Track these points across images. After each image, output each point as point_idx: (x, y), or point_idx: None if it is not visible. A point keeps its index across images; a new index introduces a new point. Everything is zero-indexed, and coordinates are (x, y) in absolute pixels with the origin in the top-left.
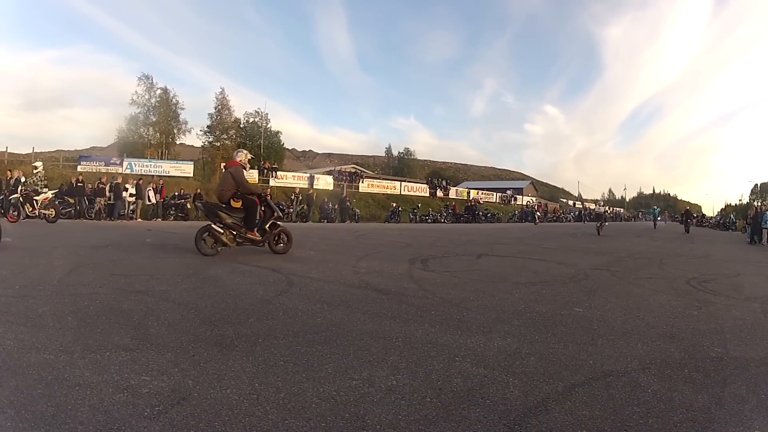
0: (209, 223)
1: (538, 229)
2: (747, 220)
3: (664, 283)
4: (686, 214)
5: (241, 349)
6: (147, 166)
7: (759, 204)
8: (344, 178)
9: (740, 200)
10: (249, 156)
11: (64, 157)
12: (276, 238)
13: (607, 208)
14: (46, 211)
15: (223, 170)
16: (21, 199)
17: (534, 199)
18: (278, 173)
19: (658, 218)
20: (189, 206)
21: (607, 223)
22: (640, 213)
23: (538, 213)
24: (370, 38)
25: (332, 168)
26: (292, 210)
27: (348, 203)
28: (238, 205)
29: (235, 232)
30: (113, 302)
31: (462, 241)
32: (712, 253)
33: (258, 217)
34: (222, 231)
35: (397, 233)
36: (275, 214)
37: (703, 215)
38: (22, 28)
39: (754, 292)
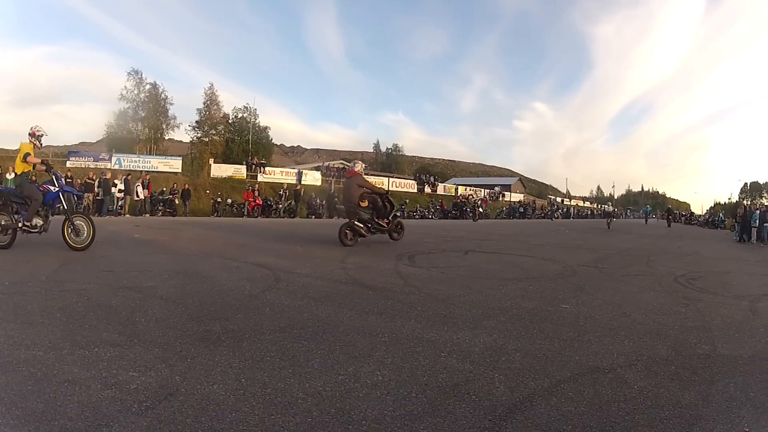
0: (349, 220)
1: (526, 226)
2: (736, 219)
3: (652, 281)
4: (668, 212)
5: (227, 344)
6: (136, 161)
7: (749, 203)
8: (332, 173)
9: (729, 198)
10: (363, 165)
11: (54, 153)
12: (395, 227)
13: (614, 208)
14: None
15: (346, 180)
16: None
17: (471, 189)
18: (266, 168)
19: (650, 216)
20: (177, 202)
21: (615, 220)
22: (629, 210)
23: (479, 209)
24: (360, 34)
25: (320, 164)
26: (280, 206)
27: (336, 199)
28: (365, 204)
29: (369, 225)
30: (101, 298)
31: (449, 237)
32: (700, 250)
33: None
34: (362, 226)
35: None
36: (395, 207)
37: (692, 213)
38: (13, 25)
39: (743, 290)
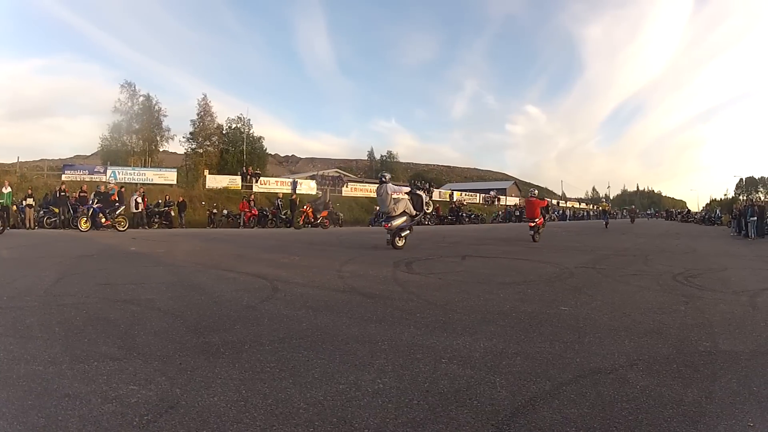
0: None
1: (522, 230)
2: (732, 215)
3: (651, 279)
4: (631, 212)
5: (227, 356)
6: (131, 174)
7: (744, 198)
8: (327, 182)
9: (725, 195)
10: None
11: (49, 167)
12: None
13: (611, 210)
14: None
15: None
16: None
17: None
18: (261, 179)
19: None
20: (173, 213)
21: (611, 220)
22: (625, 210)
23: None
24: (350, 42)
25: (315, 173)
26: (283, 216)
27: (331, 207)
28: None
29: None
30: (99, 312)
31: (446, 243)
32: (698, 248)
33: None
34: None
35: (381, 237)
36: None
37: (689, 210)
38: (3, 38)
39: (742, 285)
